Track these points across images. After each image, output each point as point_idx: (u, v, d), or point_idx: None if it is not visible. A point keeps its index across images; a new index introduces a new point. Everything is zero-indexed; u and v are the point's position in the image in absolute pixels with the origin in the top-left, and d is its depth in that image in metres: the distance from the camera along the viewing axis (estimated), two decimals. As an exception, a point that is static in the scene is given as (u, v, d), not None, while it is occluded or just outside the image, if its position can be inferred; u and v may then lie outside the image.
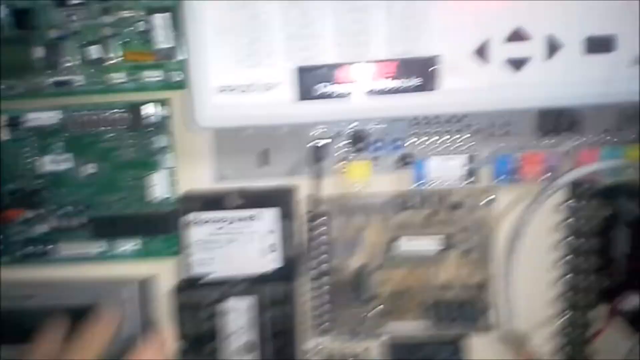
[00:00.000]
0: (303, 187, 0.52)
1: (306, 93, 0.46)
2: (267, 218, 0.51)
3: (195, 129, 0.47)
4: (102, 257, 0.52)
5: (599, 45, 0.46)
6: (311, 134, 0.51)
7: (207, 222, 0.51)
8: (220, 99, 0.47)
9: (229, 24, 0.46)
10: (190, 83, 0.47)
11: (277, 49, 0.46)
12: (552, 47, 0.47)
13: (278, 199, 0.51)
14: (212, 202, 0.51)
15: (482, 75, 0.47)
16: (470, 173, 0.51)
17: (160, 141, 0.51)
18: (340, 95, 0.46)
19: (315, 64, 0.45)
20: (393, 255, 0.54)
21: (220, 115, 0.45)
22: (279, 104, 0.46)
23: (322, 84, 0.45)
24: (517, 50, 0.47)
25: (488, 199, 0.53)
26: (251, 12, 0.46)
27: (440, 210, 0.53)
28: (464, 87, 0.47)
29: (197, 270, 0.51)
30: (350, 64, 0.45)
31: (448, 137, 0.52)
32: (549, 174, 0.51)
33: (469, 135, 0.52)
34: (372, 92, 0.46)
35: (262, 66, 0.46)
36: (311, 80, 0.45)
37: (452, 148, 0.52)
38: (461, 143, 0.52)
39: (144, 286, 0.52)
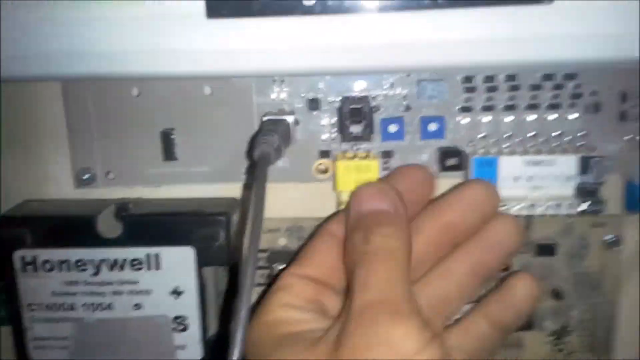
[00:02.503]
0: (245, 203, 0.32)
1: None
2: (178, 264, 0.30)
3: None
4: None
5: None
6: (257, 100, 0.30)
7: (52, 269, 0.30)
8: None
9: None
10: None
11: None
12: None
13: (195, 227, 0.30)
14: (66, 228, 0.30)
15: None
16: (583, 191, 0.29)
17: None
18: (306, 10, 0.24)
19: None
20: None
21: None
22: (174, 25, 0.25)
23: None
24: None
25: (607, 239, 0.32)
26: None
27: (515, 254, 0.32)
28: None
29: (37, 357, 0.31)
30: None
31: (534, 116, 0.30)
32: None
33: (577, 114, 0.29)
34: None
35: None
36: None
37: (545, 140, 0.30)
38: (562, 130, 0.30)
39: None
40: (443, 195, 0.27)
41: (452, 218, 0.26)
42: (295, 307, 0.23)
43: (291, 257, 0.28)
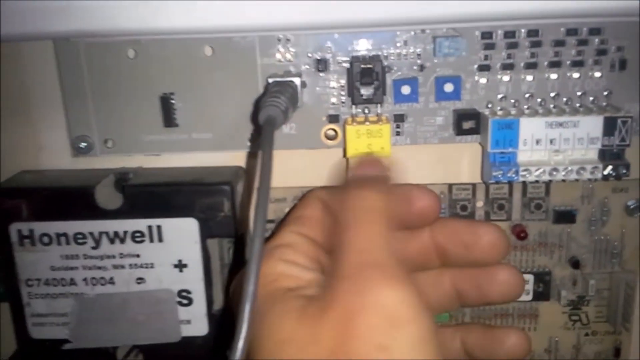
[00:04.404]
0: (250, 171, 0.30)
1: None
2: (182, 236, 0.28)
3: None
4: None
5: None
6: (261, 61, 0.28)
7: (50, 242, 0.28)
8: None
9: None
10: None
11: None
12: None
13: (199, 197, 0.28)
14: (64, 199, 0.29)
15: None
16: (607, 154, 0.27)
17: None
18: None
19: None
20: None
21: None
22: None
23: None
24: None
25: (629, 204, 0.30)
26: None
27: (529, 223, 0.31)
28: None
29: (37, 334, 0.30)
30: None
31: (557, 74, 0.28)
32: None
33: (601, 72, 0.27)
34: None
35: None
36: None
37: (567, 100, 0.28)
38: (586, 89, 0.28)
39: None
40: (463, 222, 0.27)
41: (458, 248, 0.26)
42: (298, 265, 0.22)
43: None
